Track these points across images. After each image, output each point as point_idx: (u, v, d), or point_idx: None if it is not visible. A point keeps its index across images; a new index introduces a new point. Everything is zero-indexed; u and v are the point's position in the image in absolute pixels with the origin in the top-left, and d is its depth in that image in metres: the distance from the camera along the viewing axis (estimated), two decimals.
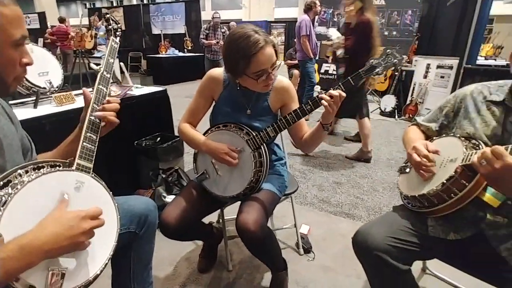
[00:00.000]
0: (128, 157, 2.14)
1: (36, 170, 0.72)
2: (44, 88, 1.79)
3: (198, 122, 1.40)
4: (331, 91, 1.04)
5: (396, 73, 4.74)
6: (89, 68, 2.31)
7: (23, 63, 0.72)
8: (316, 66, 5.68)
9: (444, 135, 1.16)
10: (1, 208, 0.62)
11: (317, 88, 4.37)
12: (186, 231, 1.29)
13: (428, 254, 1.11)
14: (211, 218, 1.58)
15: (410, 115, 4.48)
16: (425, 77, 4.47)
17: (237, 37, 1.09)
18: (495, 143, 1.00)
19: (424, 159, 1.04)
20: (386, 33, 6.26)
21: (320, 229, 1.98)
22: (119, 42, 1.07)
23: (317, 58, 5.10)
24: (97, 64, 2.56)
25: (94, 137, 0.84)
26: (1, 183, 0.65)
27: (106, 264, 0.78)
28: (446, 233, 1.03)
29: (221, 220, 1.63)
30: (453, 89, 4.06)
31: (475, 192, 0.94)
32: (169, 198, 1.85)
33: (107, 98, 0.90)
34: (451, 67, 4.21)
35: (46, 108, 1.74)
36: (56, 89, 1.86)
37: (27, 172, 0.70)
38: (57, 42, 6.90)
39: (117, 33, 1.09)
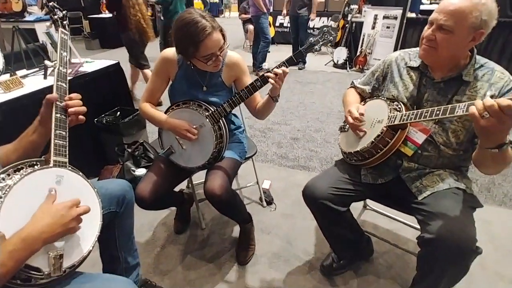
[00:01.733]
0: (91, 135, 2.15)
1: (17, 172, 0.80)
2: None
3: (157, 101, 1.47)
4: (276, 69, 1.17)
5: (347, 25, 4.87)
6: (28, 42, 2.15)
7: None
8: (270, 19, 5.61)
9: (375, 97, 1.37)
10: None
11: (265, 65, 4.55)
12: (160, 202, 1.44)
13: (362, 197, 1.38)
14: (181, 185, 1.74)
15: (360, 66, 4.75)
16: (373, 27, 4.67)
17: (185, 23, 1.14)
18: (412, 103, 1.23)
19: (357, 121, 1.25)
20: None
21: (280, 183, 2.23)
22: (68, 32, 1.08)
23: (270, 11, 5.03)
24: (31, 35, 2.37)
25: (64, 133, 0.91)
26: None
27: (95, 241, 0.92)
28: (375, 179, 1.30)
29: (190, 185, 1.80)
30: (397, 39, 4.32)
31: (396, 146, 1.19)
32: (139, 171, 1.95)
33: (68, 95, 0.95)
34: (395, 18, 4.42)
35: None
36: None
37: (9, 175, 0.79)
38: None
39: (64, 22, 1.08)
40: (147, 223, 1.85)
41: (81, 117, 0.95)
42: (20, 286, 0.75)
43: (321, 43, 1.19)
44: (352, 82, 1.52)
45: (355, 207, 1.31)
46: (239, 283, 1.50)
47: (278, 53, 6.33)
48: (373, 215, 1.83)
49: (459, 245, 0.94)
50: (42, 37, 2.64)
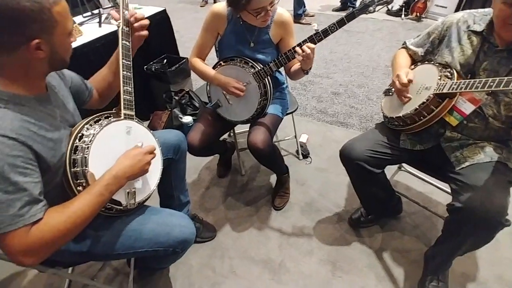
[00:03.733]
0: (141, 82, 2.30)
1: (96, 123, 0.95)
2: None
3: (206, 56, 1.53)
4: (303, 48, 1.20)
5: None
6: None
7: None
8: None
9: (426, 61, 1.31)
10: (86, 154, 0.88)
11: (314, 26, 4.19)
12: (207, 149, 1.60)
13: (398, 161, 1.42)
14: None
15: (418, 14, 4.27)
16: None
17: None
18: (466, 71, 1.18)
19: (404, 87, 1.23)
20: None
21: (317, 137, 2.30)
22: None
23: None
24: None
25: (130, 88, 1.03)
26: (78, 136, 0.90)
27: (158, 182, 1.09)
28: (414, 145, 1.32)
29: (232, 135, 1.94)
30: None
31: (440, 115, 1.18)
32: (185, 119, 2.11)
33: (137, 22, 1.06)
34: None
35: None
36: None
37: (91, 125, 0.94)
38: None
39: None
40: (193, 166, 2.06)
41: (144, 32, 1.07)
42: (105, 212, 0.96)
43: (376, 3, 1.13)
44: (405, 42, 1.45)
45: (390, 168, 1.35)
46: (273, 225, 1.69)
47: None
48: (406, 176, 1.87)
49: (487, 217, 0.98)
50: None
